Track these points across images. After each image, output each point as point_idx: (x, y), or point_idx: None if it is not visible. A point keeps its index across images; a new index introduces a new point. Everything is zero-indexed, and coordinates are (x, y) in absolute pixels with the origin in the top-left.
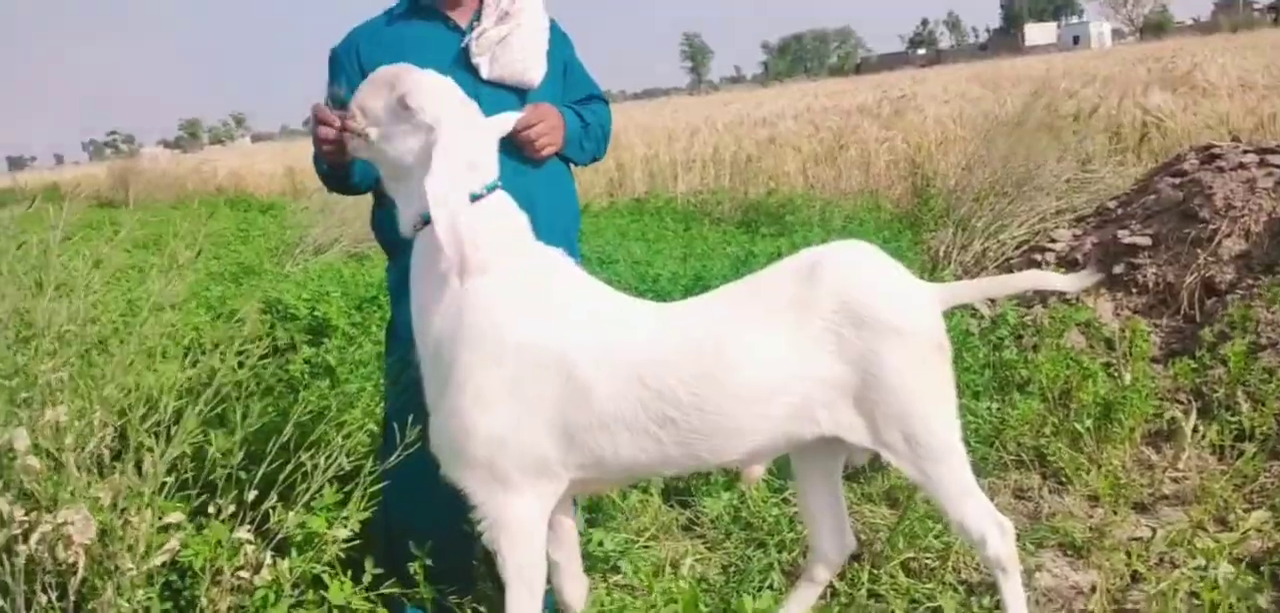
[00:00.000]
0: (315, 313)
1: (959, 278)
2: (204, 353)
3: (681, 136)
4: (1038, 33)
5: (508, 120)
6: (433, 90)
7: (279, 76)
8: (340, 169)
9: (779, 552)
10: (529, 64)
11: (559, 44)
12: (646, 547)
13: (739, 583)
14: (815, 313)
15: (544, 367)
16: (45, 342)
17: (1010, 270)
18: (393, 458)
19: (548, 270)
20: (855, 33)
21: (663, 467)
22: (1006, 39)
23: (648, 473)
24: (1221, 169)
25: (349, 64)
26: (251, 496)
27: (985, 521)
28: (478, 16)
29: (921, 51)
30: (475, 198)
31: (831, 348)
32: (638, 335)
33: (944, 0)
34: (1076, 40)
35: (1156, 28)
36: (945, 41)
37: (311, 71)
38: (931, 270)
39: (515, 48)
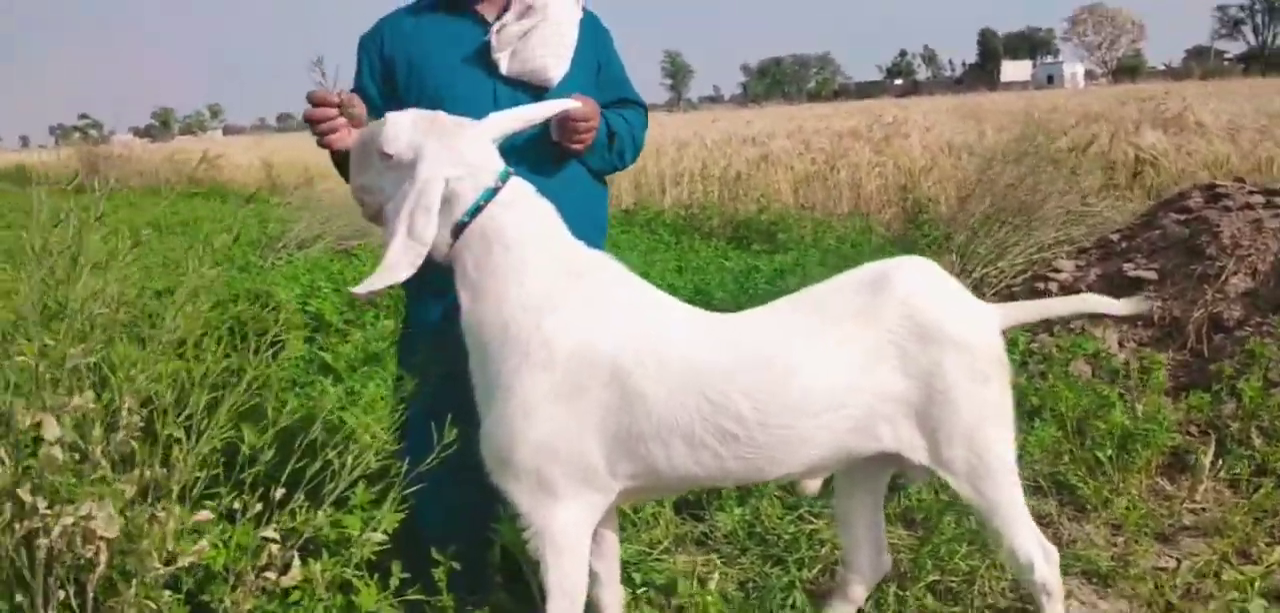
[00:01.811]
0: (308, 308)
1: None
2: (238, 344)
3: (669, 151)
4: (1013, 70)
5: (558, 105)
6: (400, 127)
7: (256, 72)
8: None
9: (798, 569)
10: (549, 61)
11: (595, 40)
12: (659, 560)
13: (760, 600)
14: (880, 326)
15: (595, 374)
16: (76, 323)
17: (1013, 297)
18: (429, 459)
19: (596, 272)
20: (834, 60)
21: (721, 479)
22: (982, 74)
23: (703, 484)
24: (1227, 208)
25: (372, 53)
26: (278, 494)
27: (1032, 545)
28: (506, 10)
29: (898, 82)
30: (489, 195)
31: (895, 362)
32: (696, 345)
33: (922, 33)
34: (1050, 79)
35: (1130, 71)
36: (922, 74)
37: (288, 66)
38: None
39: (535, 44)
